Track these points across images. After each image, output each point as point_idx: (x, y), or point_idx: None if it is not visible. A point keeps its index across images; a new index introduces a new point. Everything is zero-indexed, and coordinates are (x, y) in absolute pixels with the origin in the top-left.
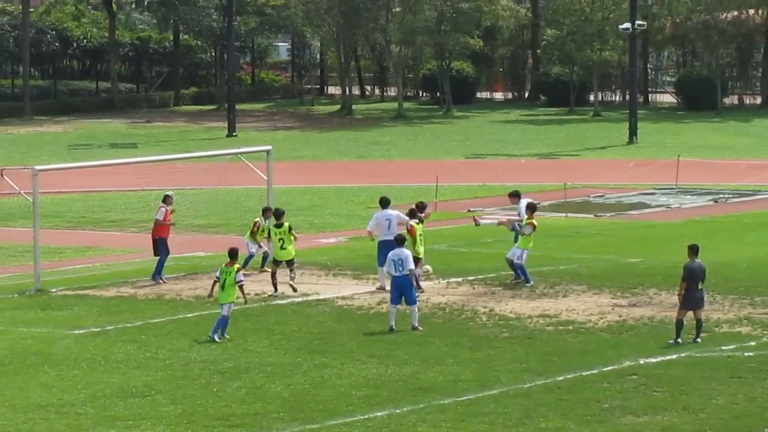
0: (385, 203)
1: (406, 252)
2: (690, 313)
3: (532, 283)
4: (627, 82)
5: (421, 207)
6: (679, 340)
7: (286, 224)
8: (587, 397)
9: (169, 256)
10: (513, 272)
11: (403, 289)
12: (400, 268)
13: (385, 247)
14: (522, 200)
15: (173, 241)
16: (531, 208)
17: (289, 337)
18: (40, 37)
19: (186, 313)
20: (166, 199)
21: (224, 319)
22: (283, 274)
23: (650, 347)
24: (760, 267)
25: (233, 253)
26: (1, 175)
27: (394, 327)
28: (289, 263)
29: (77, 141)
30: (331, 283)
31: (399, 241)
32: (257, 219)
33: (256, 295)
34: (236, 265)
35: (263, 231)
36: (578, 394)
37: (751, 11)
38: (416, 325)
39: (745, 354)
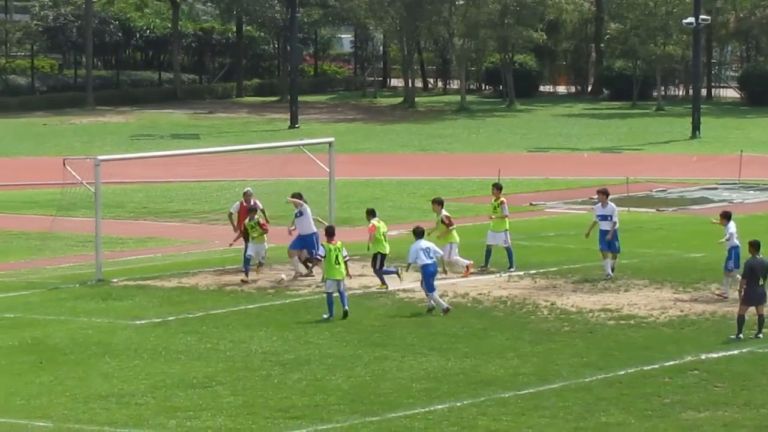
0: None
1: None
2: (752, 309)
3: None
4: (690, 77)
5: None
6: (741, 335)
7: (339, 243)
8: (648, 392)
9: (232, 247)
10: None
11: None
12: (431, 256)
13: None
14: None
15: (230, 233)
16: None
17: (349, 329)
18: (103, 28)
19: (247, 305)
20: (244, 196)
21: (341, 295)
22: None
23: (712, 342)
24: None
25: (332, 231)
26: (64, 164)
27: (449, 307)
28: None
29: (139, 131)
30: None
31: (419, 234)
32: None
33: (317, 287)
34: (339, 242)
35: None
36: (639, 388)
37: None
38: (445, 306)
39: None
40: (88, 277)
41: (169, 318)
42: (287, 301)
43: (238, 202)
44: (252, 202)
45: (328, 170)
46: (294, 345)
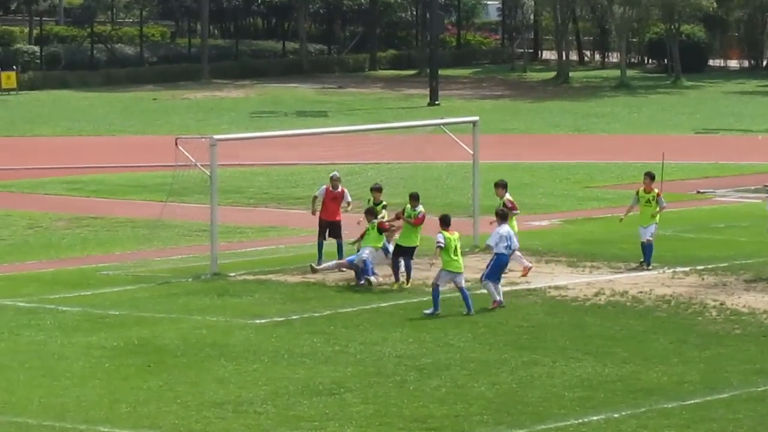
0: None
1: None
2: None
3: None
4: None
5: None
6: None
7: (457, 234)
8: None
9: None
10: None
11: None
12: (510, 247)
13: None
14: None
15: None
16: None
17: (494, 330)
18: None
19: (380, 303)
20: (331, 180)
21: (462, 293)
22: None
23: None
24: None
25: (447, 220)
26: (176, 144)
27: (502, 300)
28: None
29: (260, 108)
30: (542, 270)
31: (503, 217)
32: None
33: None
34: (456, 233)
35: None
36: None
37: None
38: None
39: None
40: (202, 271)
41: (293, 317)
42: (425, 298)
43: (324, 186)
44: (339, 189)
45: (471, 153)
46: (432, 348)
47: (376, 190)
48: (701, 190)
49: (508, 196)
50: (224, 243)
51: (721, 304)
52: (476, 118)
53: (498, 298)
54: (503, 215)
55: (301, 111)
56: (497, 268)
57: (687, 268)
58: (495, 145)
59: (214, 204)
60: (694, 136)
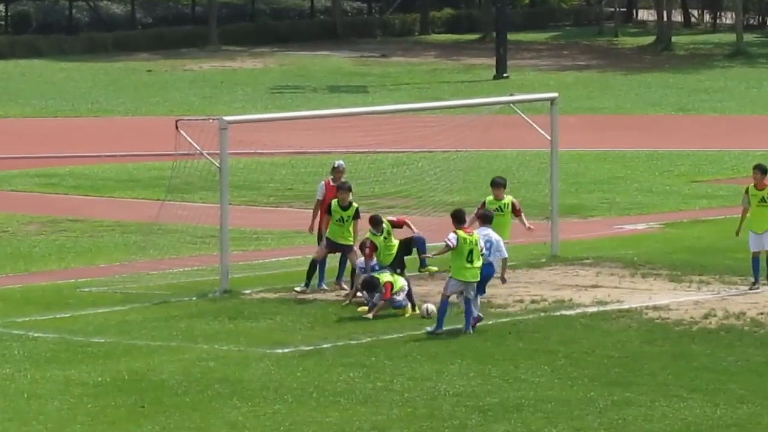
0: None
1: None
2: None
3: None
4: None
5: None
6: None
7: (476, 235)
8: None
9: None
10: None
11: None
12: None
13: None
14: None
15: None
16: None
17: (577, 362)
18: None
19: (430, 325)
20: (333, 172)
21: (467, 307)
22: None
23: None
24: None
25: (461, 216)
26: (176, 128)
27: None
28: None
29: (283, 82)
30: (638, 287)
31: (486, 219)
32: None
33: (533, 302)
34: (476, 233)
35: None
36: None
37: None
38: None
39: None
40: (209, 288)
41: (324, 345)
42: (490, 322)
43: (323, 182)
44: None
45: (549, 138)
46: (499, 384)
47: (344, 189)
48: None
49: (510, 197)
50: (237, 252)
51: None
52: (555, 94)
53: (477, 314)
54: (486, 217)
55: (334, 86)
56: (484, 278)
57: None
58: (579, 129)
59: (224, 203)
60: None
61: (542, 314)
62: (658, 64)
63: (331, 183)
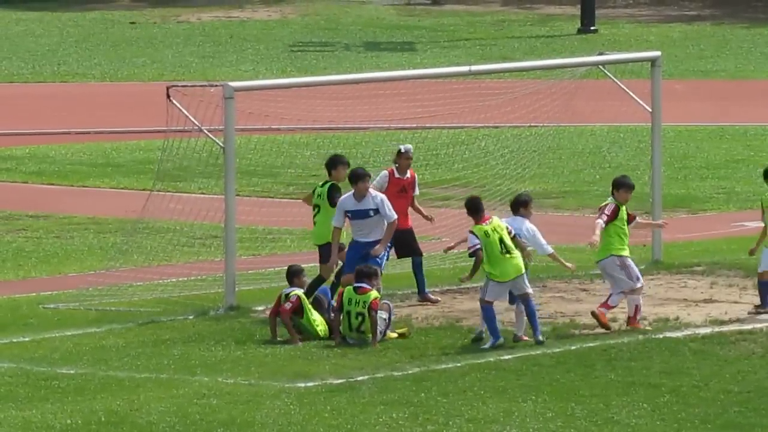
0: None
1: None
2: None
3: None
4: None
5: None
6: None
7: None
8: None
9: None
10: None
11: None
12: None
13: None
14: None
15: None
16: None
17: (686, 399)
18: None
19: (499, 355)
20: (399, 158)
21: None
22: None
23: None
24: None
25: (477, 205)
26: (168, 96)
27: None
28: None
29: (305, 37)
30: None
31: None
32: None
33: (602, 326)
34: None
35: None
36: None
37: None
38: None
39: None
40: (211, 303)
41: (359, 377)
42: (573, 347)
43: (385, 171)
44: (409, 174)
45: (649, 110)
46: (585, 427)
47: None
48: None
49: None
50: (247, 258)
51: None
52: (657, 53)
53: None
54: (518, 204)
55: (371, 42)
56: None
57: None
58: (687, 98)
59: (230, 194)
60: None
61: (641, 337)
62: None
63: (396, 174)
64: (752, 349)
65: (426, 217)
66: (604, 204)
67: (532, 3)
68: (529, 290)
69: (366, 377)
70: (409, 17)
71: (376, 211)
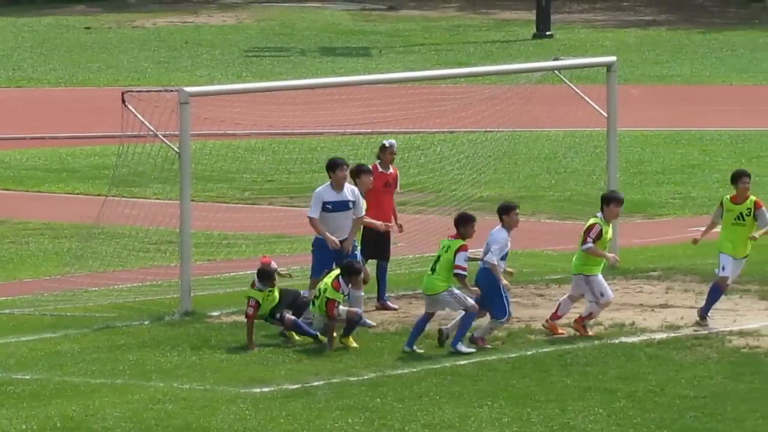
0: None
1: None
2: None
3: None
4: None
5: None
6: None
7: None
8: None
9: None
10: None
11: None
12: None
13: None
14: None
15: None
16: None
17: (642, 404)
18: None
19: (455, 360)
20: (383, 152)
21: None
22: None
23: None
24: None
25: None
26: (123, 102)
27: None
28: None
29: (261, 42)
30: (720, 306)
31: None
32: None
33: (586, 330)
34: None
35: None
36: None
37: None
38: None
39: None
40: (166, 309)
41: (315, 383)
42: (529, 352)
43: (369, 166)
44: (391, 169)
45: (605, 115)
46: (540, 431)
47: (367, 173)
48: None
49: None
50: (202, 264)
51: None
52: (613, 58)
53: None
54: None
55: (327, 47)
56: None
57: None
58: (643, 103)
59: (185, 199)
60: None
61: (596, 342)
62: (745, 19)
63: (380, 169)
64: (708, 354)
65: (397, 225)
66: (589, 226)
67: (488, 8)
68: (442, 310)
69: (322, 382)
70: (365, 22)
71: (354, 203)
